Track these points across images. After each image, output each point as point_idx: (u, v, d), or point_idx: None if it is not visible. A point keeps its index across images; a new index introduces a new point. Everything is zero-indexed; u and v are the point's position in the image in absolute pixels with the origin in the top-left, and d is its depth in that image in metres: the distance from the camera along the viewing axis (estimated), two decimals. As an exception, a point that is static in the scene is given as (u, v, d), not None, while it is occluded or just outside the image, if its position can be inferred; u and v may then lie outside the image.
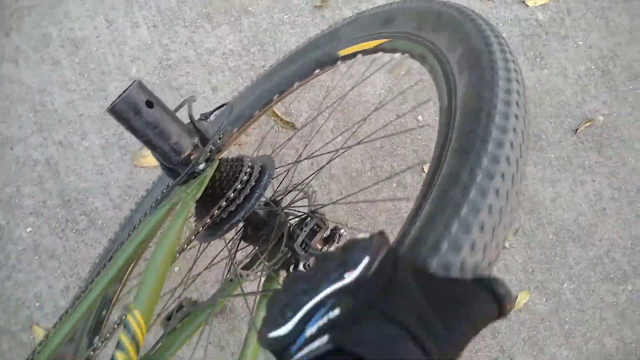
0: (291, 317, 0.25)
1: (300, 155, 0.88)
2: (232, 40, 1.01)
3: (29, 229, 0.89)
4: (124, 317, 0.42)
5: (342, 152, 0.88)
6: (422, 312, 0.25)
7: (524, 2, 1.10)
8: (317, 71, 0.69)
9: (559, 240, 0.95)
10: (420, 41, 0.51)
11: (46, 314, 0.85)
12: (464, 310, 0.26)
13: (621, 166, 0.97)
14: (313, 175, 0.67)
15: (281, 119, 0.95)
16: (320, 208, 0.61)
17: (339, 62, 0.65)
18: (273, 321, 0.25)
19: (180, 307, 0.60)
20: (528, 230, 0.95)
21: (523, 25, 1.08)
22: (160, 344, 0.57)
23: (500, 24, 1.07)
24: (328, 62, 0.67)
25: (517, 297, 0.91)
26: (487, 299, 0.27)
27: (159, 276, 0.43)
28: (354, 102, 0.98)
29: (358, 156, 0.94)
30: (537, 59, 1.06)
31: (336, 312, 0.25)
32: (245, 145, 0.95)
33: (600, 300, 0.93)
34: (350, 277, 0.25)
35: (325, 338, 0.24)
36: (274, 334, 0.25)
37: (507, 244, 0.95)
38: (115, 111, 0.47)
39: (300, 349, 0.24)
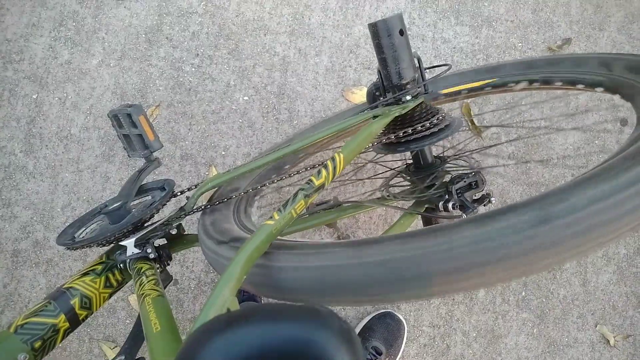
0: None
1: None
2: (467, 41, 1.12)
3: (245, 98, 1.10)
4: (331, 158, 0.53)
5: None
6: None
7: None
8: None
9: (663, 366, 0.93)
10: None
11: (225, 164, 1.06)
12: None
13: None
14: (481, 149, 0.73)
15: (472, 122, 1.05)
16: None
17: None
18: None
19: (328, 201, 0.73)
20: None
21: None
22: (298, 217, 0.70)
23: None
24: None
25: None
26: None
27: (358, 146, 0.55)
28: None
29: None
30: None
31: None
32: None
33: None
34: None
35: None
36: None
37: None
38: (374, 26, 0.59)
39: None
